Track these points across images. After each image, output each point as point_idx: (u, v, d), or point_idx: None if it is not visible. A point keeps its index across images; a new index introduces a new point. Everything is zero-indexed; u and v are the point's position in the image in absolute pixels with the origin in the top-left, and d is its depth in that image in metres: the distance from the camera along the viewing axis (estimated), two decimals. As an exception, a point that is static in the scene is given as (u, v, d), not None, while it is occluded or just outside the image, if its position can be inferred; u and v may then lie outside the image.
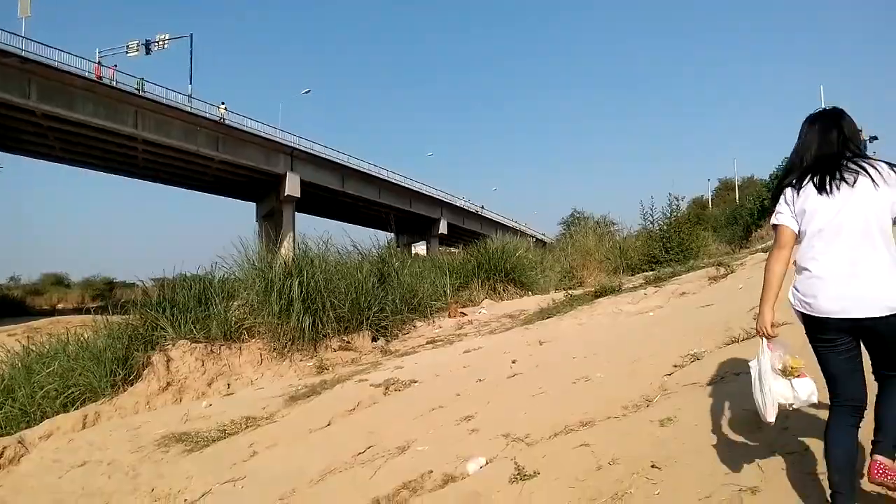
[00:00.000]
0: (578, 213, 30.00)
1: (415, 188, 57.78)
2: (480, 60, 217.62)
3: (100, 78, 35.65)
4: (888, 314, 2.49)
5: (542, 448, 4.13)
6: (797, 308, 2.74)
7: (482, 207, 70.38)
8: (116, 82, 36.08)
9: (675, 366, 5.04)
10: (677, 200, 17.41)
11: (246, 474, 4.98)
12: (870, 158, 2.66)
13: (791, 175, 2.80)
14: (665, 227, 16.73)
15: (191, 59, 45.21)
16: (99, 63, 37.45)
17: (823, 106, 2.94)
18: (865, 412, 2.66)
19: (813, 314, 2.65)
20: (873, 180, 2.56)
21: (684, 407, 4.14)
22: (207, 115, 39.84)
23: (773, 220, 2.84)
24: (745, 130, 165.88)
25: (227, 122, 40.75)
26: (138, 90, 36.58)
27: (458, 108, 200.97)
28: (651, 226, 17.52)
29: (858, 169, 2.61)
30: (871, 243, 2.54)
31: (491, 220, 67.97)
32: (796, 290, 2.72)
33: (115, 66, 38.04)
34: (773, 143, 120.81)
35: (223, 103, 41.66)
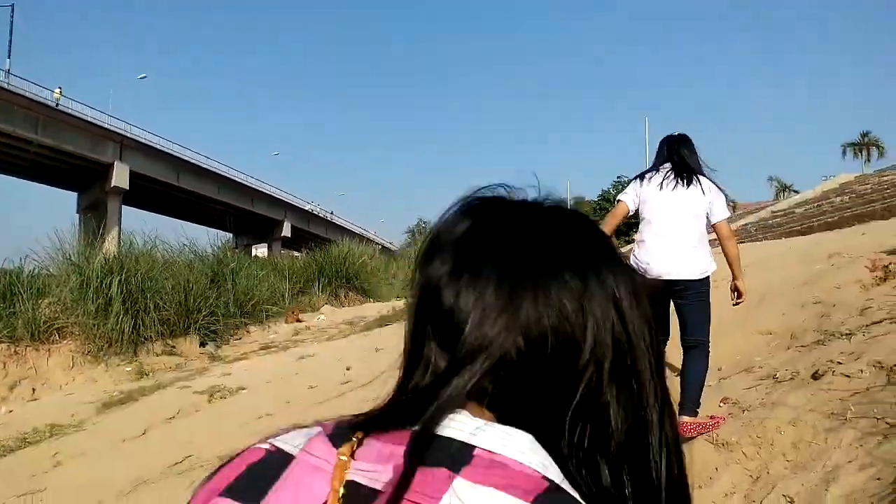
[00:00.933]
0: (424, 222, 30.51)
1: (257, 187, 55.70)
2: (332, 59, 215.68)
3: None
4: (691, 278, 3.34)
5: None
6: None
7: (332, 213, 69.51)
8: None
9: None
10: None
11: (47, 486, 4.55)
12: (702, 175, 3.47)
13: (645, 173, 3.56)
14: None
15: (11, 30, 40.55)
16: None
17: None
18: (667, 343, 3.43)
19: (648, 275, 3.31)
20: (702, 190, 3.40)
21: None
22: (26, 94, 35.98)
23: (619, 196, 3.67)
24: (577, 153, 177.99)
25: (61, 107, 37.15)
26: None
27: (308, 108, 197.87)
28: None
29: (692, 180, 3.42)
30: (688, 231, 3.37)
31: (337, 225, 67.28)
32: (636, 257, 3.48)
33: None
34: (603, 167, 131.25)
35: (59, 88, 38.01)
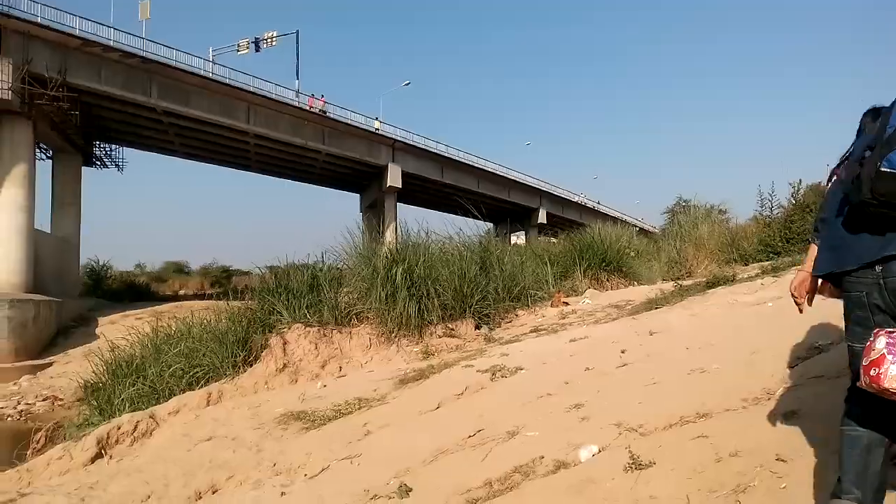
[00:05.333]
0: (684, 201, 28.60)
1: (513, 177, 57.43)
2: (591, 50, 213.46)
3: (311, 107, 40.56)
4: None
5: (657, 438, 4.04)
6: None
7: (597, 202, 69.26)
8: (327, 113, 40.73)
9: (799, 358, 4.80)
10: (798, 185, 16.08)
11: (361, 452, 5.15)
12: None
13: None
14: (790, 215, 15.45)
15: (297, 55, 46.56)
16: (312, 95, 41.69)
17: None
18: None
19: None
20: None
21: (809, 400, 3.94)
22: (313, 110, 41.36)
23: None
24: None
25: (338, 117, 42.66)
26: (322, 112, 40.54)
27: (562, 98, 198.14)
28: (769, 213, 16.45)
29: None
30: None
31: (591, 209, 66.69)
32: None
33: (323, 96, 41.80)
34: None
35: (377, 117, 44.84)
